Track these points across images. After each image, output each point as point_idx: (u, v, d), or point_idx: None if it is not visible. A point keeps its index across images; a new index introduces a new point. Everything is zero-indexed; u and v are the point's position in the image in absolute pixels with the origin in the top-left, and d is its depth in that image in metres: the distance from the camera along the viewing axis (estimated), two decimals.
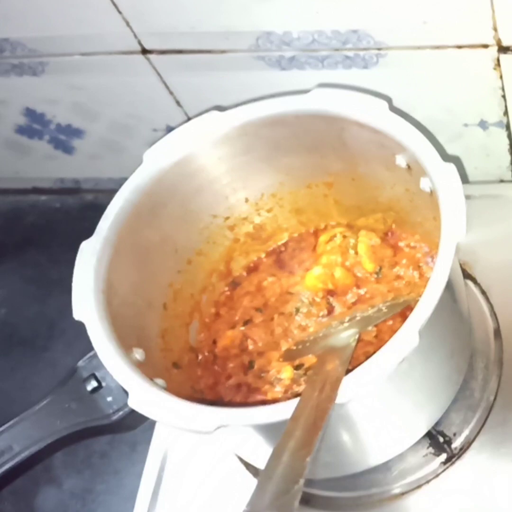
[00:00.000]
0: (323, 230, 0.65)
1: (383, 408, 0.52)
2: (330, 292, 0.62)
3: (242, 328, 0.63)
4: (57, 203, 0.88)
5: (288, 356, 0.60)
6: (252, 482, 0.44)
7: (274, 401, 0.58)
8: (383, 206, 0.61)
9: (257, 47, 0.63)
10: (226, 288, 0.65)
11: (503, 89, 0.62)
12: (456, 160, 0.68)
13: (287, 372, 0.59)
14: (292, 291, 0.63)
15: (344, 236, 0.62)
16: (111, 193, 0.56)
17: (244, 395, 0.60)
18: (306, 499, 0.60)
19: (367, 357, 0.46)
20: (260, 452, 0.51)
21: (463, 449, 0.60)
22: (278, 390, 0.59)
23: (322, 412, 0.46)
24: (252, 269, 0.66)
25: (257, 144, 0.59)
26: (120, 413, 0.65)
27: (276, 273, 0.65)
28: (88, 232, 0.55)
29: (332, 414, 0.46)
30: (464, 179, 0.72)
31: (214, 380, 0.61)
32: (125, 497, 0.67)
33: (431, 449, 0.60)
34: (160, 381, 0.52)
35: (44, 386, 0.67)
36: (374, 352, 0.46)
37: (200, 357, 0.63)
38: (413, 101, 0.64)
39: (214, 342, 0.63)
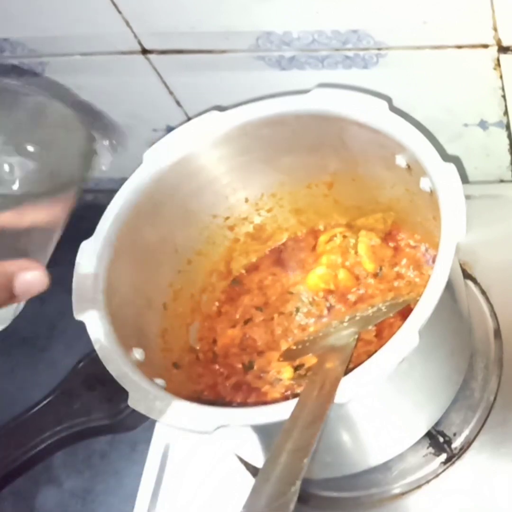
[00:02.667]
0: (323, 230, 0.65)
1: (383, 408, 0.52)
2: (331, 292, 0.62)
3: (243, 327, 0.63)
4: None
5: (288, 355, 0.60)
6: (252, 482, 0.44)
7: (274, 401, 0.58)
8: (383, 206, 0.62)
9: (257, 47, 0.63)
10: (228, 286, 0.65)
11: (503, 89, 0.62)
12: (456, 160, 0.68)
13: (287, 373, 0.59)
14: (292, 290, 0.63)
15: (344, 236, 0.62)
16: (111, 193, 0.56)
17: (244, 395, 0.60)
18: (306, 499, 0.60)
19: (368, 356, 0.46)
20: (260, 452, 0.51)
21: (463, 449, 0.60)
22: (278, 390, 0.59)
23: (320, 412, 0.46)
24: (252, 268, 0.66)
25: (257, 144, 0.59)
26: (120, 413, 0.65)
27: (277, 272, 0.65)
28: (88, 232, 0.55)
29: (331, 414, 0.46)
30: (464, 179, 0.72)
31: (213, 380, 0.61)
32: (125, 497, 0.67)
33: (431, 449, 0.60)
34: (160, 381, 0.52)
35: (44, 386, 0.67)
36: (375, 352, 0.46)
37: (200, 356, 0.63)
38: (413, 101, 0.64)
39: (214, 341, 0.63)
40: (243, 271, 0.66)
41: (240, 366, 0.61)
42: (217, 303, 0.65)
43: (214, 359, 0.62)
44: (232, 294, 0.65)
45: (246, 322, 0.63)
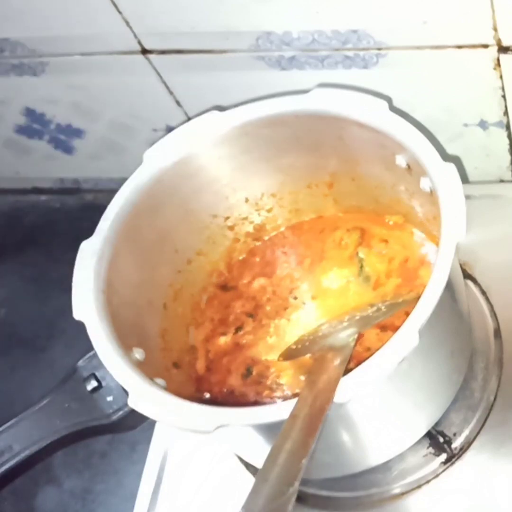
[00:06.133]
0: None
1: (383, 408, 0.52)
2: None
3: (236, 333, 0.62)
4: (57, 203, 0.88)
5: (288, 355, 0.59)
6: (252, 482, 0.44)
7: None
8: (383, 206, 0.61)
9: (257, 47, 0.63)
10: (219, 291, 0.65)
11: (503, 89, 0.62)
12: (456, 160, 0.68)
13: (286, 377, 0.59)
14: (294, 295, 0.63)
15: (347, 230, 0.62)
16: (111, 193, 0.56)
17: (244, 399, 0.60)
18: (306, 499, 0.60)
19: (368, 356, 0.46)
20: (260, 452, 0.51)
21: (463, 449, 0.60)
22: (278, 394, 0.59)
23: (319, 412, 0.46)
24: (244, 268, 0.65)
25: (257, 144, 0.59)
26: (120, 413, 0.65)
27: (267, 272, 0.65)
28: (88, 232, 0.55)
29: (330, 414, 0.46)
30: (464, 179, 0.72)
31: (210, 387, 0.61)
32: (125, 497, 0.67)
33: (431, 449, 0.60)
34: (160, 381, 0.52)
35: (44, 386, 0.67)
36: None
37: (198, 363, 0.62)
38: (413, 101, 0.64)
39: (209, 347, 0.63)
40: (235, 273, 0.65)
41: (237, 372, 0.61)
42: (210, 308, 0.64)
43: (210, 365, 0.62)
44: (221, 298, 0.65)
45: (237, 329, 0.63)
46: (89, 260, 0.54)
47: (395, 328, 0.47)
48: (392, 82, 0.63)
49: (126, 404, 0.50)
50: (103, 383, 0.65)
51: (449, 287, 0.48)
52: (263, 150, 0.59)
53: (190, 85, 0.69)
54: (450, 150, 0.69)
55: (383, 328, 0.58)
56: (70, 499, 0.70)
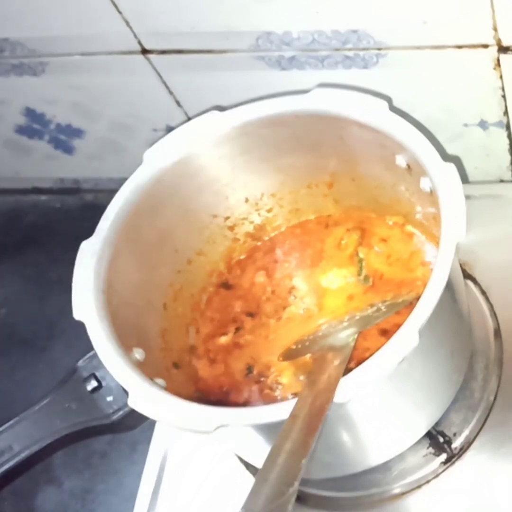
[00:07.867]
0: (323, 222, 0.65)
1: (383, 408, 0.52)
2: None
3: (236, 333, 0.62)
4: (57, 203, 0.88)
5: (288, 355, 0.60)
6: (252, 482, 0.44)
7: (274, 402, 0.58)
8: (383, 206, 0.61)
9: (257, 47, 0.63)
10: (220, 289, 0.65)
11: (503, 89, 0.62)
12: (456, 160, 0.68)
13: (287, 377, 0.59)
14: (293, 294, 0.63)
15: (347, 230, 0.62)
16: (111, 193, 0.56)
17: (244, 399, 0.60)
18: (306, 499, 0.60)
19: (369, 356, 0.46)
20: (260, 452, 0.51)
21: (463, 449, 0.60)
22: (278, 394, 0.59)
23: (319, 412, 0.46)
24: (243, 268, 0.65)
25: (257, 144, 0.59)
26: (120, 413, 0.65)
27: (270, 268, 0.64)
28: (88, 232, 0.55)
29: (330, 414, 0.46)
30: (464, 179, 0.72)
31: (209, 387, 0.61)
32: (125, 497, 0.67)
33: (431, 449, 0.60)
34: (160, 381, 0.52)
35: (44, 386, 0.67)
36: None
37: (197, 361, 0.62)
38: (413, 101, 0.64)
39: (209, 347, 0.63)
40: (237, 271, 0.65)
41: (238, 371, 0.61)
42: (210, 307, 0.64)
43: (211, 364, 0.62)
44: (221, 298, 0.65)
45: (237, 329, 0.63)
46: (89, 260, 0.54)
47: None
48: (392, 82, 0.63)
49: (126, 404, 0.50)
50: (103, 383, 0.65)
51: (449, 287, 0.48)
52: (263, 150, 0.59)
53: (190, 85, 0.69)
54: (450, 150, 0.69)
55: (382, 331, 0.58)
56: (70, 499, 0.70)
